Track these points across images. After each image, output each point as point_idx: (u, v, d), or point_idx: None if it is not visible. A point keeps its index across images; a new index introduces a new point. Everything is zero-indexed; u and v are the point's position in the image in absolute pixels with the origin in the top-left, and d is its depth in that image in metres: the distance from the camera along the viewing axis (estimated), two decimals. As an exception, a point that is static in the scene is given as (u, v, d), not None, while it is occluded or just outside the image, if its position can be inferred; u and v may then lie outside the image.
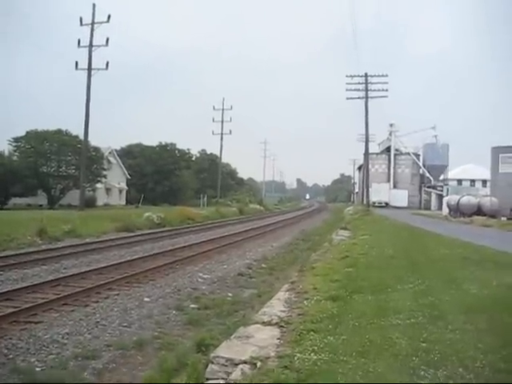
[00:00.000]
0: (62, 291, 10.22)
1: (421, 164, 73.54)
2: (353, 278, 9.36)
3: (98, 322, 8.31)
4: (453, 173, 75.43)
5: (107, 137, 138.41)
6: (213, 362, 5.19)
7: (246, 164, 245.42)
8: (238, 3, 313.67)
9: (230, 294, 11.20)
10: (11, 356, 6.52)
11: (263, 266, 15.67)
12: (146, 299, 10.14)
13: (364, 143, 49.81)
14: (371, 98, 46.92)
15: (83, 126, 37.77)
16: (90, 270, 12.68)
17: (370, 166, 53.74)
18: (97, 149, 54.86)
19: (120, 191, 66.50)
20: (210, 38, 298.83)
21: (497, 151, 39.04)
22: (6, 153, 52.63)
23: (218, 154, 71.15)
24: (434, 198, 65.55)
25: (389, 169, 73.60)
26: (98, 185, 56.02)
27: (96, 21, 36.58)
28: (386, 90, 46.55)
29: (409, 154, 74.33)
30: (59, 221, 22.50)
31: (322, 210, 77.01)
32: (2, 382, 5.84)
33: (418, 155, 74.36)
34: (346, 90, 47.26)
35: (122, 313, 8.96)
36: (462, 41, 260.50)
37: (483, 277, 9.00)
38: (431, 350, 4.90)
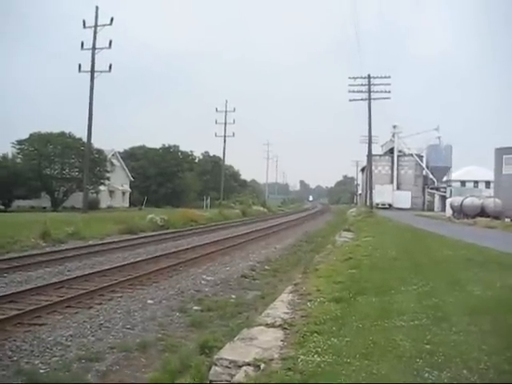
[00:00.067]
0: (66, 293, 10.24)
1: (424, 165, 73.48)
2: (356, 279, 9.34)
3: (101, 324, 8.31)
4: (456, 174, 75.40)
5: (110, 139, 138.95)
6: (216, 364, 5.19)
7: (248, 166, 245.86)
8: (240, 6, 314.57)
9: (233, 296, 11.20)
10: (15, 358, 6.54)
11: (266, 267, 15.66)
12: (149, 301, 10.14)
13: (367, 145, 49.70)
14: (374, 99, 46.94)
15: (86, 128, 37.80)
16: (93, 273, 12.69)
17: (373, 168, 53.63)
18: (100, 151, 54.96)
19: (123, 193, 66.56)
20: (212, 40, 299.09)
21: (500, 152, 38.98)
22: (10, 155, 52.79)
23: (221, 155, 71.12)
24: (437, 199, 65.50)
25: (392, 170, 73.57)
26: (102, 187, 56.10)
27: (97, 22, 36.64)
28: (389, 92, 46.60)
29: (412, 155, 74.30)
30: (63, 223, 22.54)
31: (325, 211, 76.97)
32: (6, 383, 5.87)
33: (421, 157, 74.32)
34: (349, 91, 47.33)
35: (125, 315, 8.97)
36: (463, 42, 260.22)
37: (487, 278, 8.98)
38: (435, 352, 4.89)
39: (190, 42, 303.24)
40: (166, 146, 75.27)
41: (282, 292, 9.30)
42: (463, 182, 73.85)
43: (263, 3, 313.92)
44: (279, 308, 7.53)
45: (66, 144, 52.23)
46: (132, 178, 68.66)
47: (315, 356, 4.88)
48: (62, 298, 9.63)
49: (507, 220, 32.42)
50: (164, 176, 70.19)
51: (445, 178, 73.01)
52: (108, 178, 56.69)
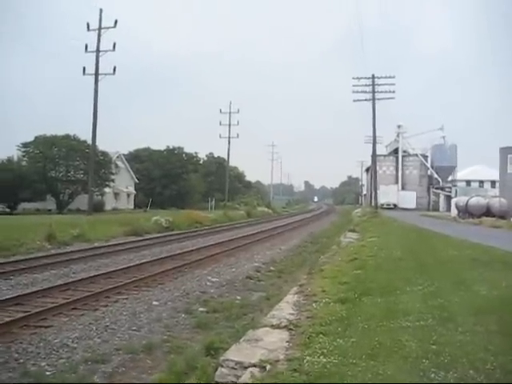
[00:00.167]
0: (72, 295, 10.25)
1: (429, 165, 73.29)
2: (361, 280, 9.33)
3: (107, 325, 8.33)
4: (461, 174, 75.16)
5: (115, 141, 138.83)
6: (222, 366, 5.20)
7: (253, 167, 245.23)
8: (241, 6, 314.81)
9: (238, 297, 11.19)
10: (22, 360, 6.55)
11: (272, 268, 15.66)
12: (154, 303, 10.15)
13: (371, 145, 49.65)
14: (378, 99, 46.85)
15: (89, 130, 38.02)
16: (98, 275, 12.71)
17: (377, 168, 53.67)
18: (105, 153, 55.17)
19: (128, 195, 66.76)
20: (213, 41, 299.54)
21: (505, 151, 38.82)
22: (15, 158, 53.04)
23: (225, 157, 71.27)
24: (442, 199, 65.28)
25: (397, 170, 73.42)
26: (107, 189, 56.30)
27: (101, 25, 36.77)
28: (393, 92, 46.54)
29: (417, 155, 74.14)
30: (68, 225, 22.60)
31: (330, 212, 76.86)
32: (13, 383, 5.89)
33: (425, 156, 74.13)
34: (353, 92, 47.33)
35: (131, 317, 8.98)
36: (466, 41, 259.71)
37: (492, 278, 8.95)
38: (441, 352, 4.88)
39: (191, 43, 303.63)
40: (171, 147, 75.54)
41: (288, 293, 9.31)
42: (468, 182, 73.66)
43: (264, 3, 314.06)
44: (284, 309, 7.54)
45: (70, 146, 52.49)
46: (137, 180, 68.87)
47: (321, 357, 4.88)
48: (67, 300, 9.64)
49: (513, 219, 32.24)
50: (169, 178, 70.36)
51: (450, 178, 72.73)
52: (113, 180, 56.92)
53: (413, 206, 64.88)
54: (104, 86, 38.62)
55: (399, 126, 74.10)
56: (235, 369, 5.06)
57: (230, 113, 65.72)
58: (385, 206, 60.30)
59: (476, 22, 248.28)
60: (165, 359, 6.85)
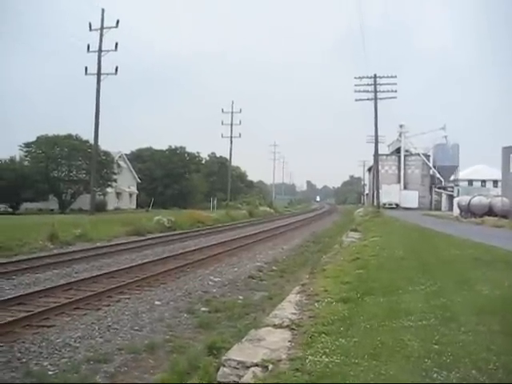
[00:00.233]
0: (74, 295, 10.28)
1: (431, 165, 73.16)
2: (364, 279, 9.33)
3: (109, 325, 8.34)
4: (463, 173, 75.04)
5: (117, 141, 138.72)
6: (224, 365, 5.20)
7: (255, 167, 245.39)
8: (242, 7, 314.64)
9: (240, 297, 11.20)
10: (24, 360, 6.57)
11: (274, 268, 15.66)
12: (157, 302, 10.17)
13: (373, 144, 49.53)
14: (380, 99, 46.77)
15: (91, 130, 37.90)
16: (101, 274, 12.74)
17: (379, 168, 53.43)
18: (107, 153, 55.19)
19: (130, 195, 66.82)
20: (215, 41, 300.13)
21: (507, 151, 38.71)
22: (17, 158, 53.12)
23: (227, 156, 71.07)
24: (444, 198, 65.19)
25: (399, 170, 73.32)
26: (109, 189, 56.35)
27: (103, 25, 36.71)
28: (395, 91, 46.40)
29: (419, 154, 74.04)
30: (70, 225, 22.63)
31: (332, 211, 76.94)
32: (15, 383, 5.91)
33: (428, 156, 74.03)
34: (355, 91, 47.13)
35: (133, 316, 8.99)
36: (467, 40, 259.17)
37: (495, 277, 8.92)
38: (444, 352, 4.86)
39: (192, 43, 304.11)
40: (173, 147, 75.54)
41: (290, 293, 9.31)
42: (470, 181, 73.57)
43: (265, 3, 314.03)
44: (287, 309, 7.54)
45: (72, 146, 52.51)
46: (139, 180, 68.90)
47: (323, 357, 4.88)
48: (70, 300, 9.66)
49: (515, 219, 32.15)
50: (171, 177, 70.39)
51: (452, 178, 72.62)
52: (115, 180, 56.95)
53: (415, 205, 64.84)
54: (106, 86, 38.78)
55: (401, 126, 73.94)
56: (237, 368, 5.07)
57: (232, 112, 65.76)
58: (387, 206, 60.20)
59: (476, 21, 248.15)
60: (167, 359, 6.86)
